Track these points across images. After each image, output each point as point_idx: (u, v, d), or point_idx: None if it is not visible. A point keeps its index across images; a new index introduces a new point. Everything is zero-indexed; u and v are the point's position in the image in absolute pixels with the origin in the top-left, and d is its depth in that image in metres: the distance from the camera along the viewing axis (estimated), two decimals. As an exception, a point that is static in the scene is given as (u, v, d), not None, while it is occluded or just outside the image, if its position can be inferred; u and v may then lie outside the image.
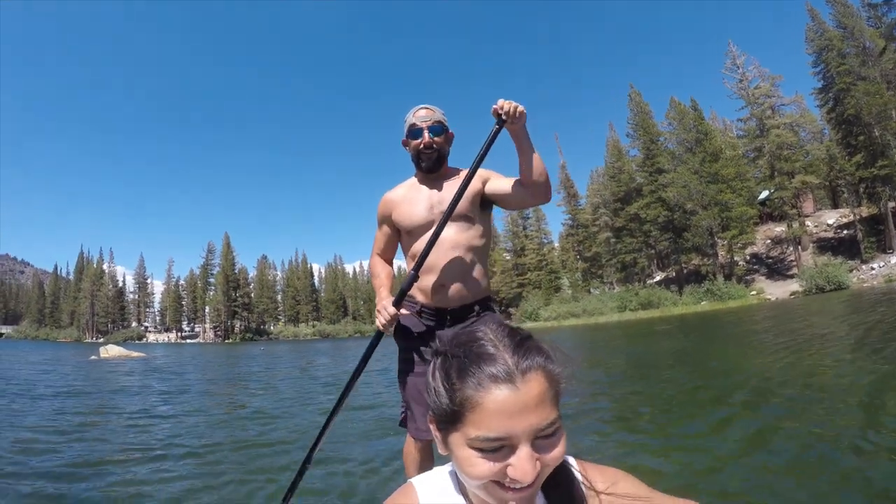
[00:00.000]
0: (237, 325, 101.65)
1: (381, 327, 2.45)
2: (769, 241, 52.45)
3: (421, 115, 2.65)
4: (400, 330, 2.64)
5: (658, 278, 61.86)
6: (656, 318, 38.90)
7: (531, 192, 2.48)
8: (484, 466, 0.84)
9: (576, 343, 23.65)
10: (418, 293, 2.63)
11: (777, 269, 48.14)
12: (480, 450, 0.84)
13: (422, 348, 2.57)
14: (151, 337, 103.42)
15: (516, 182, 2.55)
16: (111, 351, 28.61)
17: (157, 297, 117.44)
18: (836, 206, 53.97)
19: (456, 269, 2.56)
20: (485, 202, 2.70)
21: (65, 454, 5.57)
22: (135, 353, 29.19)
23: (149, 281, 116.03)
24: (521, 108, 2.27)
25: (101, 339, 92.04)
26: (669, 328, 24.96)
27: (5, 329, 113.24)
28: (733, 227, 48.45)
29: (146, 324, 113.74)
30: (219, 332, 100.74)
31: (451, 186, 2.64)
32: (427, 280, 2.56)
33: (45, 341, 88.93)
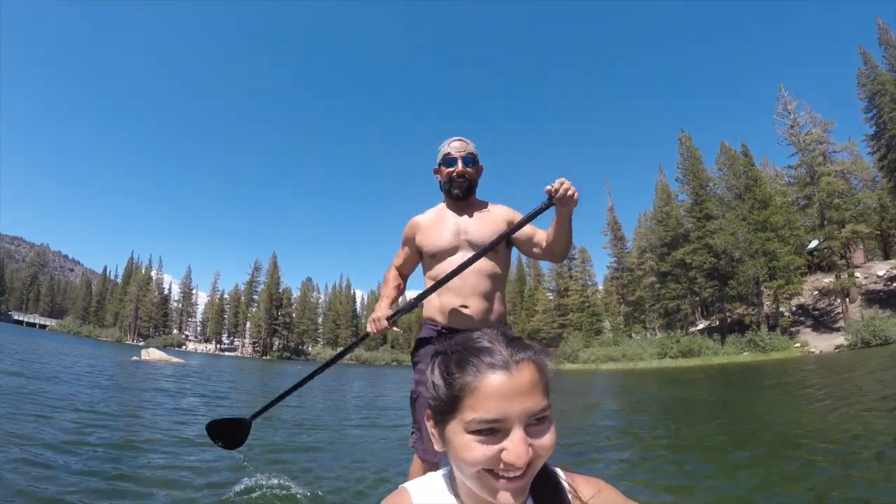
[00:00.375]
0: (276, 342, 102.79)
1: (369, 328, 2.67)
2: (816, 292, 50.52)
3: (455, 146, 2.84)
4: (417, 352, 2.79)
5: (701, 326, 60.16)
6: (696, 367, 38.13)
7: (549, 257, 2.74)
8: (480, 450, 0.90)
9: (610, 385, 24.15)
10: (438, 314, 2.73)
11: (823, 322, 46.17)
12: (477, 432, 0.91)
13: None
14: (191, 346, 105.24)
15: (539, 240, 2.78)
16: (152, 354, 29.95)
17: (201, 308, 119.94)
18: (887, 256, 51.97)
19: (478, 292, 2.67)
20: (509, 241, 2.88)
21: (113, 435, 6.52)
22: (174, 359, 30.79)
23: (194, 291, 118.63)
24: (574, 192, 2.34)
25: (142, 343, 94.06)
26: (702, 377, 24.91)
27: (50, 322, 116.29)
28: (780, 277, 46.89)
29: (187, 332, 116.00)
30: (257, 348, 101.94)
31: (478, 216, 2.84)
32: (450, 301, 2.68)
33: (87, 338, 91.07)
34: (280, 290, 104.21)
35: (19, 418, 6.85)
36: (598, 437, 7.89)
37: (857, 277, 47.05)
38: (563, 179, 2.30)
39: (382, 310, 2.71)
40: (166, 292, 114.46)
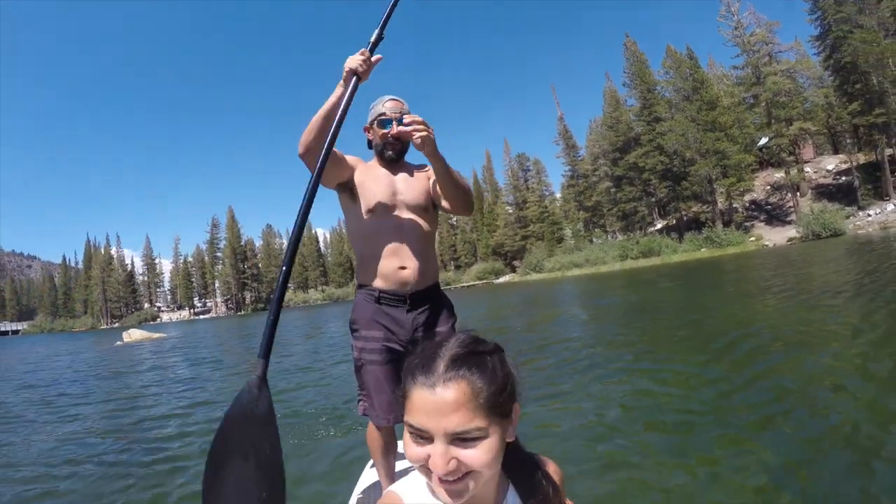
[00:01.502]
0: (248, 296, 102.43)
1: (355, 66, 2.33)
2: (768, 187, 52.51)
3: (390, 106, 2.67)
4: (357, 319, 2.67)
5: (659, 226, 62.14)
6: (656, 266, 39.54)
7: (453, 211, 2.65)
8: (414, 450, 0.99)
9: (577, 292, 24.82)
10: (377, 279, 2.62)
11: (776, 216, 48.52)
12: (411, 433, 0.99)
13: (379, 334, 2.58)
14: (165, 316, 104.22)
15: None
16: (134, 335, 29.73)
17: (167, 277, 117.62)
18: (836, 151, 53.66)
19: (415, 253, 2.61)
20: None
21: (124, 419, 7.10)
22: (156, 335, 30.57)
23: (157, 261, 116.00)
24: (419, 135, 2.29)
25: (117, 324, 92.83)
26: (663, 276, 25.78)
27: (21, 326, 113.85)
28: (731, 175, 48.67)
29: (158, 304, 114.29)
30: (230, 305, 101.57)
31: (413, 176, 2.74)
32: (388, 264, 2.59)
33: (61, 333, 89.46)
34: (243, 243, 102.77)
35: (66, 424, 7.37)
36: (573, 351, 8.20)
37: (808, 172, 49.05)
38: (412, 117, 2.32)
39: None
40: (130, 268, 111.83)
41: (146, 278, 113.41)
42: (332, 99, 2.34)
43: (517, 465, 1.16)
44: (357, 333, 2.64)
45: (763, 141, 50.54)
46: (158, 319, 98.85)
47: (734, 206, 51.37)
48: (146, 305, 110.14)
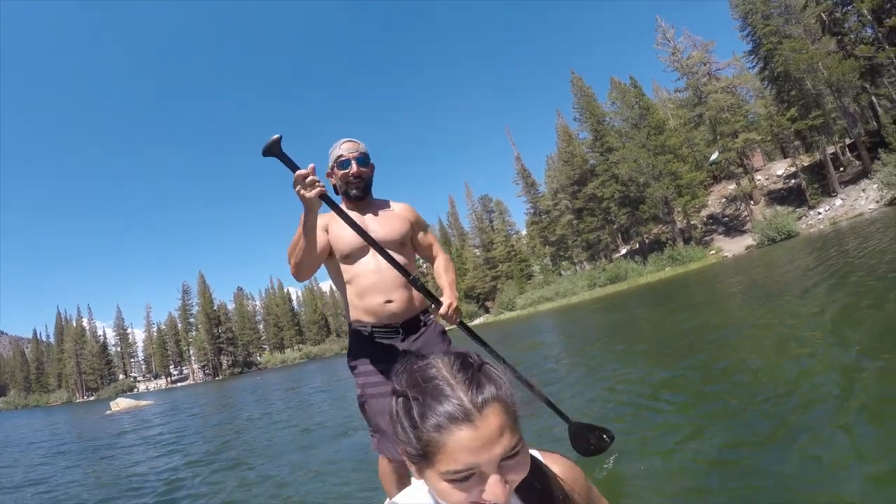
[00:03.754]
0: (224, 361, 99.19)
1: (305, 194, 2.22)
2: (724, 199, 53.28)
3: (346, 147, 2.77)
4: (354, 357, 2.72)
5: (623, 252, 62.43)
6: (624, 291, 39.48)
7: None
8: (459, 496, 0.89)
9: (550, 324, 24.82)
10: (366, 315, 2.66)
11: (733, 227, 48.94)
12: (452, 481, 0.89)
13: (379, 368, 2.62)
14: (142, 386, 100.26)
15: (429, 255, 3.03)
16: (121, 404, 29.42)
17: (140, 346, 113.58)
18: (785, 156, 54.86)
19: (397, 283, 2.64)
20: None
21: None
22: (142, 403, 30.33)
23: (129, 331, 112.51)
24: (456, 316, 2.65)
25: (93, 397, 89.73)
26: (631, 298, 26.15)
27: None
28: (686, 194, 49.19)
29: (133, 374, 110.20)
30: (207, 371, 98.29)
31: (380, 214, 2.82)
32: (373, 300, 2.63)
33: (36, 408, 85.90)
34: (215, 307, 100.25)
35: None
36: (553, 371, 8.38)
37: (759, 179, 50.10)
38: (450, 304, 2.60)
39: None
40: (102, 339, 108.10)
41: (119, 349, 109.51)
42: (309, 224, 2.38)
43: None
44: (356, 370, 2.70)
45: (714, 157, 51.36)
46: (135, 390, 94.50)
47: (692, 222, 51.80)
48: (121, 376, 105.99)
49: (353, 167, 2.72)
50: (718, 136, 47.93)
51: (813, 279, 10.99)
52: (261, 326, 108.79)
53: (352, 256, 2.69)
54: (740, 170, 48.76)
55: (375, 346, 2.65)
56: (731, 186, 51.50)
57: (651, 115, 52.80)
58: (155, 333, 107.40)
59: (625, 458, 3.48)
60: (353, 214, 2.72)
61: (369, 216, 2.77)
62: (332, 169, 2.81)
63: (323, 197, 2.28)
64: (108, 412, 27.58)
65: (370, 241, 2.51)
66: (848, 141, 42.84)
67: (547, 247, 71.49)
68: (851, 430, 2.99)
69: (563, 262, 69.13)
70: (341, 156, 2.75)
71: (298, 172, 2.19)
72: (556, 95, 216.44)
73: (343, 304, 2.84)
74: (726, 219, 51.14)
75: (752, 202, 47.48)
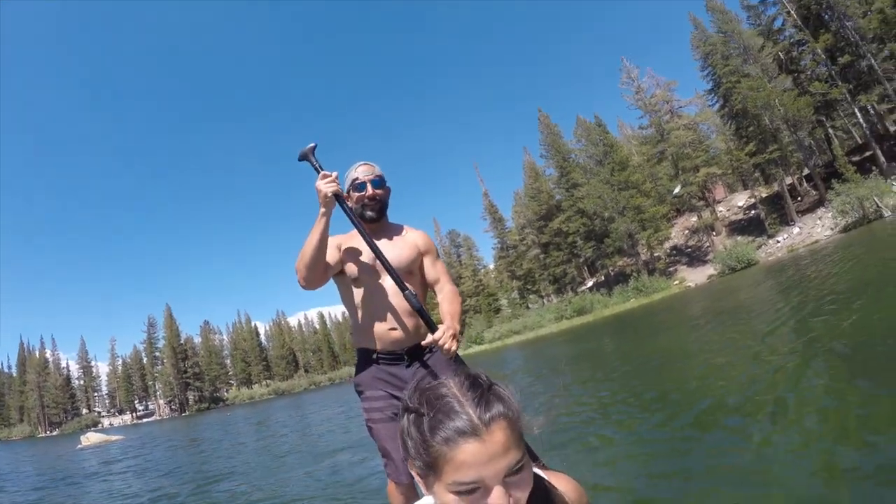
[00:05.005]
0: (191, 396, 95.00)
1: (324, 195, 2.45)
2: (687, 231, 53.98)
3: (362, 170, 2.76)
4: (360, 380, 2.68)
5: (589, 284, 62.39)
6: (590, 322, 39.44)
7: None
8: None
9: (519, 356, 25.79)
10: (371, 340, 2.63)
11: (696, 257, 49.31)
12: (458, 493, 0.93)
13: (384, 392, 2.59)
14: (106, 421, 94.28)
15: (437, 286, 2.81)
16: (92, 438, 29.40)
17: (104, 380, 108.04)
18: (746, 187, 55.52)
19: (404, 311, 2.58)
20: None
21: None
22: (114, 437, 30.64)
23: (93, 364, 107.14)
24: (451, 348, 2.37)
25: (56, 432, 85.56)
26: (597, 330, 26.91)
27: None
28: (649, 227, 49.66)
29: (97, 409, 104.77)
30: (174, 406, 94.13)
31: (394, 239, 2.76)
32: (381, 327, 2.58)
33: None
34: (182, 341, 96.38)
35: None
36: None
37: (721, 211, 51.09)
38: (445, 331, 2.38)
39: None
40: (66, 372, 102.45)
41: (83, 382, 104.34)
42: (320, 225, 2.45)
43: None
44: (363, 395, 2.68)
45: (676, 190, 51.98)
46: (100, 425, 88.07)
47: (656, 254, 52.15)
48: (84, 411, 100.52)
49: (369, 189, 2.71)
50: (680, 171, 48.53)
51: (766, 303, 11.85)
52: (228, 361, 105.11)
53: (360, 280, 2.67)
54: (702, 203, 49.48)
55: (380, 370, 2.61)
56: (694, 219, 52.10)
57: (615, 152, 53.42)
58: (120, 367, 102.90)
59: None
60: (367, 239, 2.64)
61: (383, 241, 2.72)
62: (349, 192, 2.76)
63: (338, 197, 2.46)
64: (80, 446, 27.48)
65: (380, 257, 2.49)
66: (805, 172, 43.51)
67: (514, 280, 71.39)
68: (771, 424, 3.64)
69: (531, 296, 68.92)
70: (357, 178, 2.74)
71: (323, 172, 2.47)
72: (522, 133, 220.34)
73: (352, 325, 2.79)
74: (689, 250, 51.56)
75: (713, 233, 48.04)
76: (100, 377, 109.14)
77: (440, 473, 0.92)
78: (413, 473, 1.02)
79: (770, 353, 5.79)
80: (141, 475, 10.26)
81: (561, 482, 1.18)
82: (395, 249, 2.68)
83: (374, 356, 2.61)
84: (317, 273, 2.54)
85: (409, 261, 2.69)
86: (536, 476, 1.07)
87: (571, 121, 70.97)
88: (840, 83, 37.67)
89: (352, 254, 2.67)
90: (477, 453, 0.89)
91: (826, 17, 38.55)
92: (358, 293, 2.67)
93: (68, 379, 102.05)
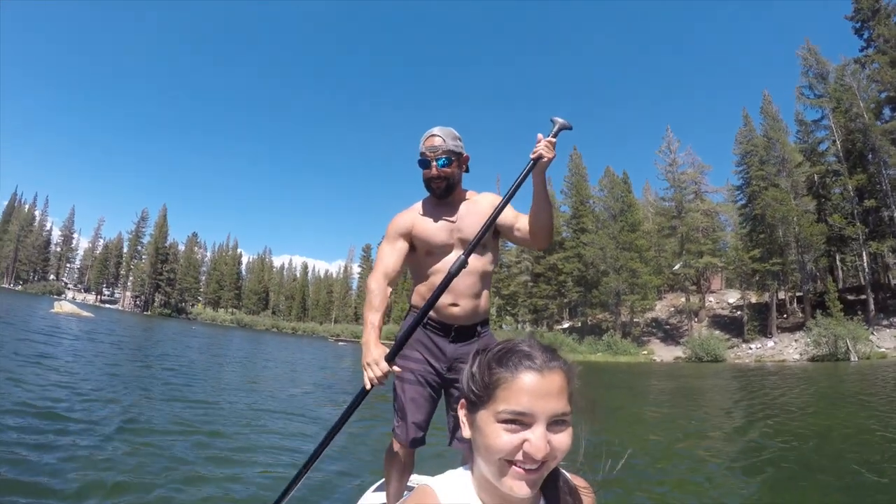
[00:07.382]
0: (158, 298, 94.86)
1: (367, 384, 2.21)
2: (672, 308, 54.61)
3: (429, 145, 2.57)
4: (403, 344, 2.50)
5: (565, 325, 62.96)
6: None
7: (532, 238, 2.53)
8: (505, 438, 0.96)
9: None
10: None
11: (672, 335, 49.92)
12: (505, 422, 0.97)
13: (424, 358, 2.56)
14: (69, 294, 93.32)
15: (522, 224, 2.56)
16: (64, 307, 31.24)
17: (80, 255, 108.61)
18: (742, 287, 56.49)
19: (468, 290, 2.54)
20: (496, 230, 2.68)
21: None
22: (84, 313, 31.85)
23: (75, 236, 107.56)
24: (546, 147, 2.26)
25: (19, 288, 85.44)
26: None
27: None
28: (638, 293, 50.39)
29: (65, 279, 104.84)
30: (139, 303, 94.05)
31: (467, 211, 2.63)
32: (441, 300, 2.42)
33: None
34: (167, 245, 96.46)
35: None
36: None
37: (710, 301, 51.72)
38: (539, 136, 2.28)
39: (374, 346, 2.27)
40: (48, 235, 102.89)
41: (60, 250, 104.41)
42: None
43: (549, 479, 1.12)
44: (400, 352, 2.46)
45: (677, 266, 52.69)
46: (63, 295, 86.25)
47: (636, 320, 52.83)
48: (52, 277, 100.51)
49: (433, 170, 2.55)
50: (685, 252, 49.31)
51: (720, 402, 12.14)
52: (203, 278, 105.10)
53: (433, 254, 2.61)
54: (694, 287, 50.28)
55: (425, 336, 2.56)
56: (683, 299, 52.79)
57: (631, 213, 54.21)
58: (100, 248, 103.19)
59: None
60: (439, 210, 2.64)
61: (455, 214, 2.62)
62: (419, 164, 2.64)
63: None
64: (53, 311, 28.84)
65: (452, 235, 2.54)
66: (799, 293, 44.24)
67: (497, 298, 71.73)
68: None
69: (507, 317, 69.39)
70: (423, 154, 2.58)
71: (385, 369, 2.19)
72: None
73: (414, 285, 2.71)
74: (668, 326, 52.22)
75: (696, 319, 48.77)
76: (78, 251, 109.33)
77: (493, 399, 0.99)
78: (461, 414, 1.10)
79: (698, 437, 6.30)
80: (121, 349, 10.75)
81: (580, 485, 1.23)
82: (471, 221, 2.57)
83: (426, 321, 2.55)
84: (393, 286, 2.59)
85: (485, 236, 2.48)
86: (556, 470, 1.15)
87: (599, 164, 70.79)
88: (858, 223, 38.59)
89: (429, 224, 2.61)
90: (535, 384, 0.96)
91: (868, 157, 39.44)
92: (427, 262, 2.64)
93: (48, 242, 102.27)
